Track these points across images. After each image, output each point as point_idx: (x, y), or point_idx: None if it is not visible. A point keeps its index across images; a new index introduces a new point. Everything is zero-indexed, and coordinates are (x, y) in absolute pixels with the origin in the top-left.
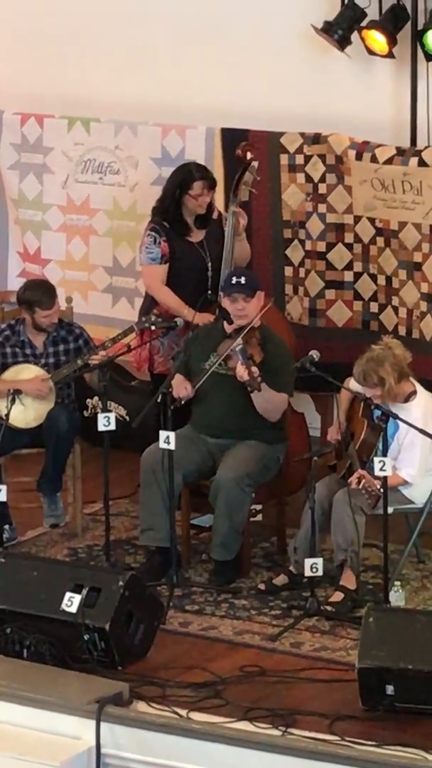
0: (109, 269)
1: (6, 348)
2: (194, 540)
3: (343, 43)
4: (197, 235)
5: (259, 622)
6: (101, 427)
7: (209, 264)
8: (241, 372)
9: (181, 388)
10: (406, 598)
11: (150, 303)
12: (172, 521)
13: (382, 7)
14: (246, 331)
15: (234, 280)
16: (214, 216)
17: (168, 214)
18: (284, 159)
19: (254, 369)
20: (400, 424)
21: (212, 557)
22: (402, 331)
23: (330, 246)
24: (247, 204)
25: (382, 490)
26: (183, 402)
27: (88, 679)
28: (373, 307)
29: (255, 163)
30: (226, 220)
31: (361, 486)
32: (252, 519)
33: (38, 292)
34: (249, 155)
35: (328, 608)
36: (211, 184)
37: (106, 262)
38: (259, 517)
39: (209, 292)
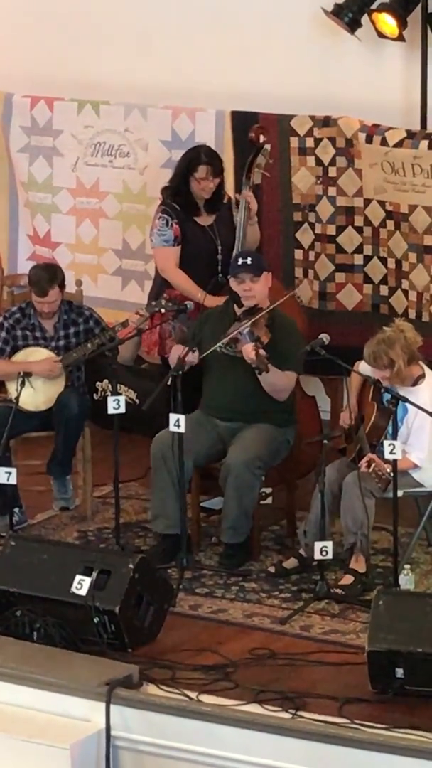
0: (119, 252)
1: (17, 331)
2: (204, 523)
3: (353, 25)
4: (207, 219)
5: (269, 605)
6: (111, 411)
7: (219, 248)
8: (249, 352)
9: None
10: (415, 582)
11: (160, 286)
12: (182, 506)
13: None
14: (255, 314)
15: (240, 260)
16: (224, 201)
17: (178, 195)
18: (294, 142)
19: (261, 351)
20: (409, 407)
21: (222, 540)
22: (412, 314)
23: (340, 229)
24: (257, 187)
25: (392, 474)
26: (186, 368)
27: (98, 662)
28: (383, 290)
29: (268, 146)
30: (237, 204)
31: (371, 470)
32: (262, 502)
33: (35, 279)
34: (262, 138)
35: (338, 591)
36: (216, 171)
37: (115, 245)
38: (269, 500)
39: (220, 275)
